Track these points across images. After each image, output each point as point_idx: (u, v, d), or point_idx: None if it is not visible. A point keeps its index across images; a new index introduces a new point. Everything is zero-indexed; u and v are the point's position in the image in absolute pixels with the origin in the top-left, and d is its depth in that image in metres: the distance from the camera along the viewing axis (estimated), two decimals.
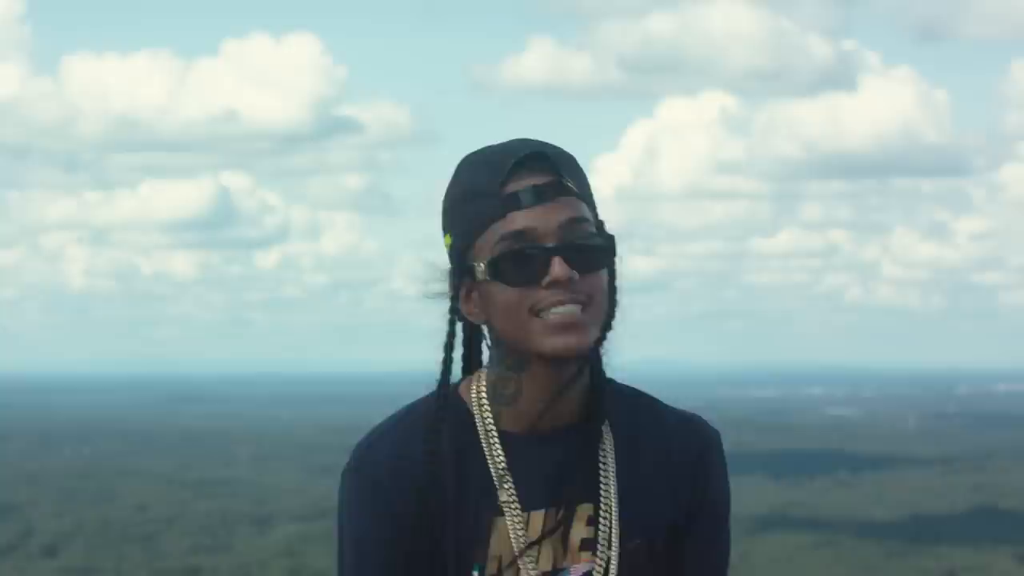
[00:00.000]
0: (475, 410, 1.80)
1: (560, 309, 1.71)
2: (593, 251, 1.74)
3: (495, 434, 1.77)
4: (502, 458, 1.76)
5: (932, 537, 59.21)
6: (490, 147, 1.78)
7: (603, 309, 1.77)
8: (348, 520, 1.81)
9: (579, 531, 1.78)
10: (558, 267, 1.68)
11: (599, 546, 1.77)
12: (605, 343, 1.80)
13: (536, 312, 1.71)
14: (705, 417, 1.94)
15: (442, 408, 1.79)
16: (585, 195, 1.76)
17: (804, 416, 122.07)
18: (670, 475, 1.82)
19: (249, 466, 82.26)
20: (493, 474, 1.76)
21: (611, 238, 1.78)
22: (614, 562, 1.78)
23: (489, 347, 1.83)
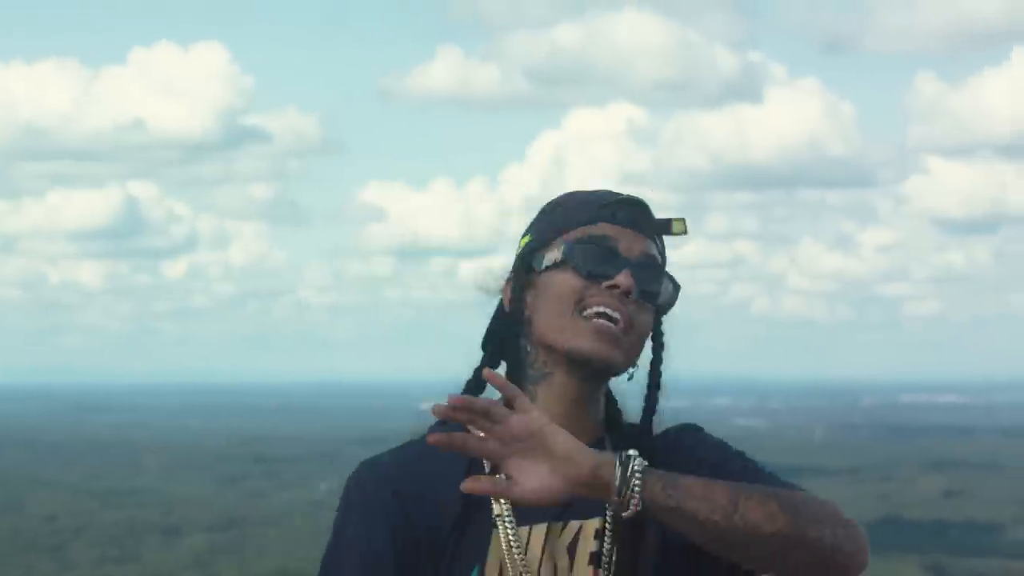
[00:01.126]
0: None
1: (602, 321, 1.77)
2: (659, 286, 1.83)
3: None
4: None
5: None
6: (608, 190, 1.90)
7: (638, 346, 1.84)
8: (344, 526, 1.84)
9: (587, 545, 1.80)
10: (625, 276, 1.77)
11: (603, 559, 1.79)
12: (628, 378, 1.88)
13: (583, 310, 1.78)
14: None
15: (474, 391, 1.88)
16: (663, 255, 1.87)
17: (711, 427, 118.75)
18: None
19: (157, 476, 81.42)
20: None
21: (677, 287, 1.87)
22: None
23: (518, 357, 1.86)
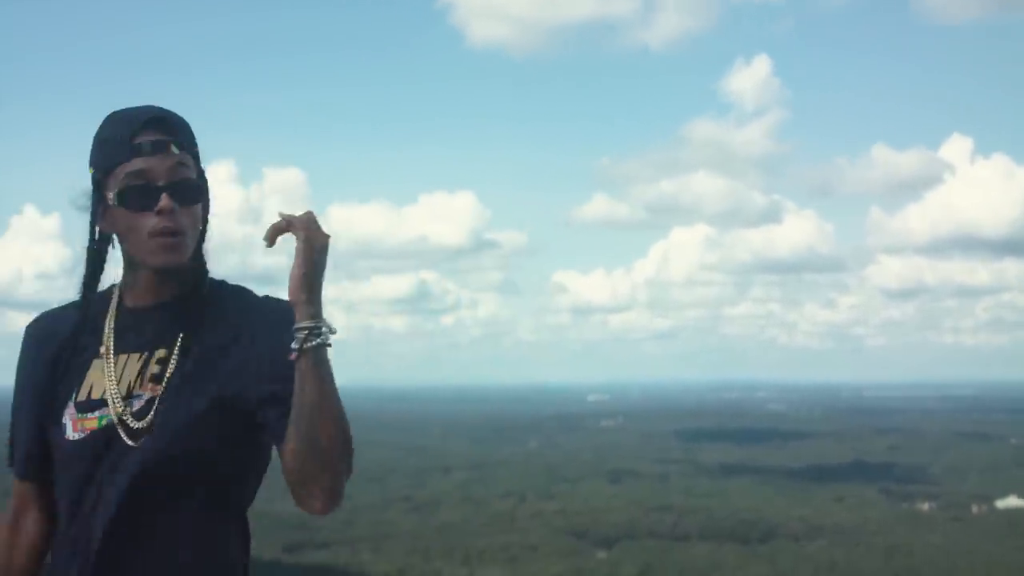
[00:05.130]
0: (114, 293, 2.29)
1: (164, 239, 2.14)
2: (191, 189, 2.18)
3: (115, 305, 2.27)
4: (114, 320, 2.25)
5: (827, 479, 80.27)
6: (127, 108, 2.23)
7: (197, 232, 2.23)
8: (17, 365, 2.32)
9: (153, 368, 2.18)
10: (164, 200, 2.12)
11: (165, 377, 2.16)
12: (204, 254, 2.29)
13: (147, 234, 2.15)
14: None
15: (88, 287, 2.30)
16: (191, 152, 2.21)
17: (752, 409, 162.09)
18: (237, 333, 2.20)
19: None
20: (104, 330, 2.25)
21: (205, 181, 2.24)
22: (168, 390, 2.15)
23: (126, 254, 2.24)
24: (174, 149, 2.20)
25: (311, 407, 2.03)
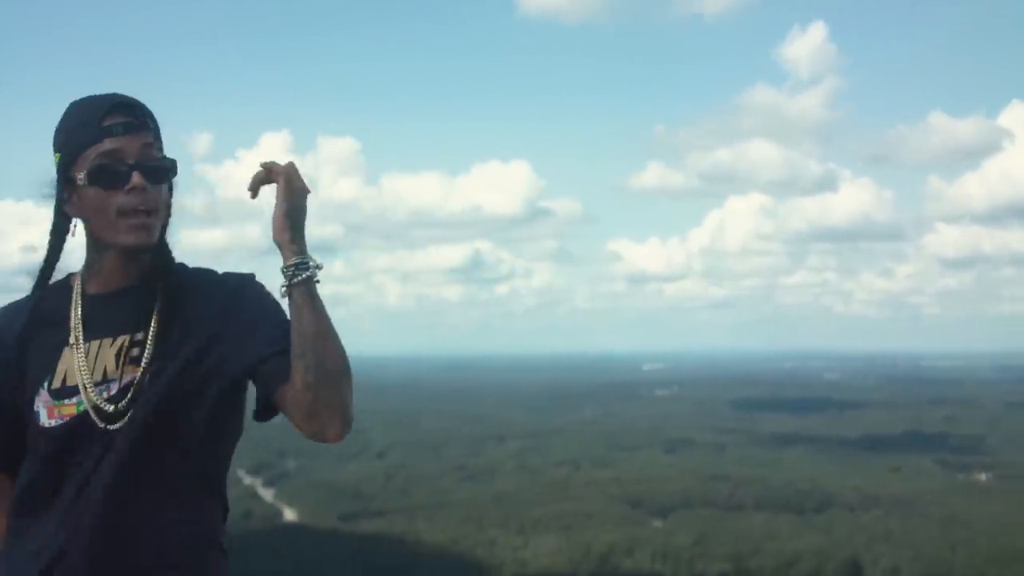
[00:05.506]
0: (74, 281, 2.32)
1: (134, 220, 2.18)
2: (160, 169, 2.23)
3: (79, 293, 2.30)
4: (79, 308, 2.28)
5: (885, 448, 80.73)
6: (92, 95, 2.28)
7: (164, 216, 2.26)
8: None
9: (128, 351, 2.23)
10: (136, 177, 2.18)
11: (144, 359, 2.21)
12: (167, 235, 2.31)
13: (117, 213, 2.19)
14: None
15: (45, 273, 2.35)
16: (157, 135, 2.25)
17: (808, 378, 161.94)
18: (209, 308, 2.27)
19: None
20: (71, 319, 2.28)
21: (173, 161, 2.27)
22: (147, 372, 2.20)
23: (90, 237, 2.26)
24: (143, 131, 2.24)
25: (314, 335, 2.14)
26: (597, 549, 52.63)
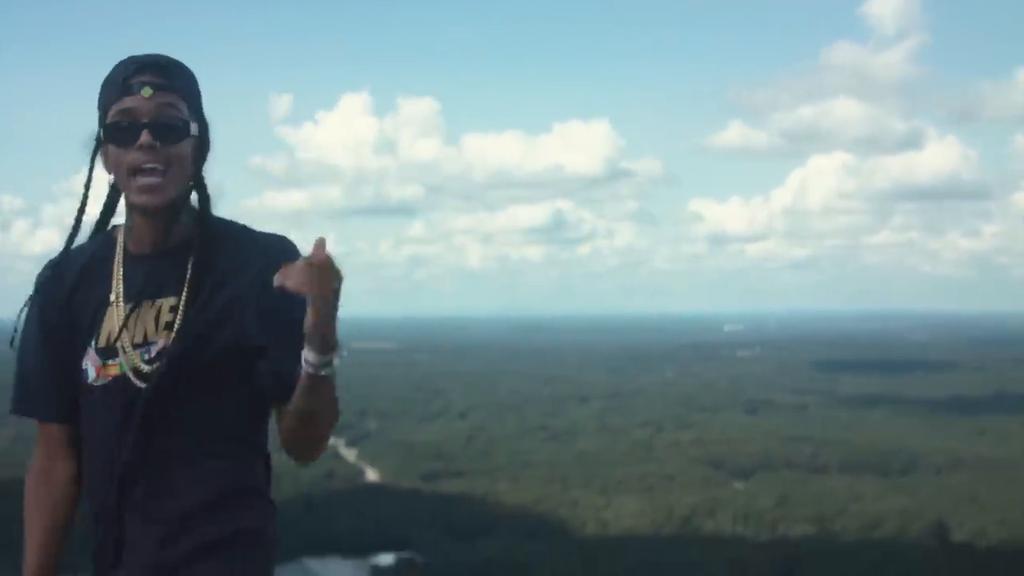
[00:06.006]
0: (117, 234, 2.34)
1: (144, 179, 2.18)
2: (175, 128, 2.20)
3: (120, 252, 2.31)
4: (122, 267, 2.30)
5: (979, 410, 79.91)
6: (132, 56, 2.29)
7: (186, 172, 2.25)
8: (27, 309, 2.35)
9: (165, 315, 2.24)
10: (144, 135, 2.17)
11: (174, 325, 2.22)
12: (205, 189, 2.32)
13: (132, 172, 2.20)
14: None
15: (73, 235, 2.36)
16: (187, 96, 2.26)
17: (893, 339, 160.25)
18: (244, 274, 2.24)
19: None
20: (113, 277, 2.30)
21: (186, 121, 2.24)
22: (181, 337, 2.21)
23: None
24: (165, 91, 2.23)
25: (311, 412, 2.17)
26: (679, 511, 52.65)
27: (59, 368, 2.33)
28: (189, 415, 2.24)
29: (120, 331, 2.27)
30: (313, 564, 45.81)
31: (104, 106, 2.26)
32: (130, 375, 2.25)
